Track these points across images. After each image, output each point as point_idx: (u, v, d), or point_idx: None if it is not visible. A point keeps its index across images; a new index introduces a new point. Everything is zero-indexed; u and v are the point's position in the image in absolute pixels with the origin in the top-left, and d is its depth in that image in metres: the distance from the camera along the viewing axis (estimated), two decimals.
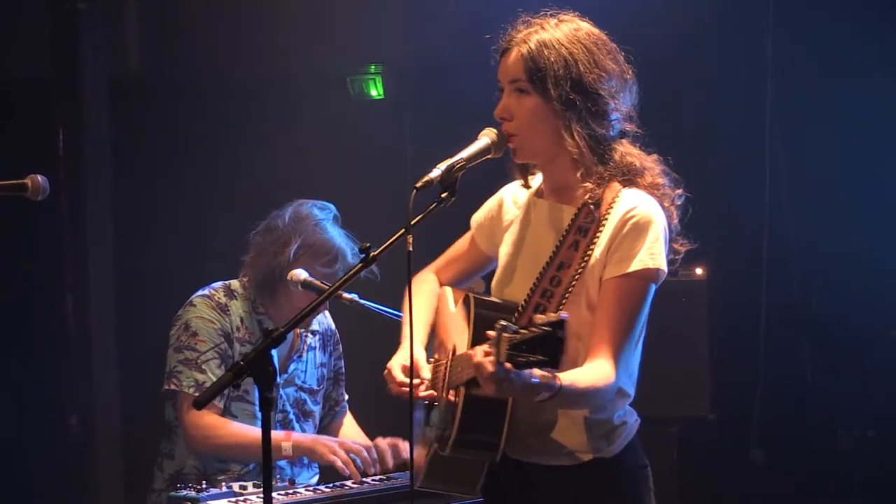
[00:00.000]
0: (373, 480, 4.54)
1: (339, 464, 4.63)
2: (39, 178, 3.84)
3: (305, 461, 4.92)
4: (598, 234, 3.58)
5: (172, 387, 4.83)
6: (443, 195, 3.51)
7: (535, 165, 3.78)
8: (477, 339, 3.49)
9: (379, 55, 7.20)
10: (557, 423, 3.64)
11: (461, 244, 3.96)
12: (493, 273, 3.86)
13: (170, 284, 5.57)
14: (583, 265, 3.57)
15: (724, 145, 6.78)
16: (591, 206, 3.60)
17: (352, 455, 4.65)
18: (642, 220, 3.56)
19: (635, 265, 3.54)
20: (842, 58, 6.61)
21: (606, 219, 3.59)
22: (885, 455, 6.77)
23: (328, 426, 5.14)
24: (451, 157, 3.55)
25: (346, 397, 5.21)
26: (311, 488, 4.46)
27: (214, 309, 4.88)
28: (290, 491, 4.39)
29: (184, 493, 4.30)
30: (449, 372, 3.63)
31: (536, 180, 3.82)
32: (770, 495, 6.85)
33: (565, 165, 3.66)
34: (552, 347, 3.11)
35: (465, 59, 6.81)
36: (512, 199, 3.85)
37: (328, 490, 4.41)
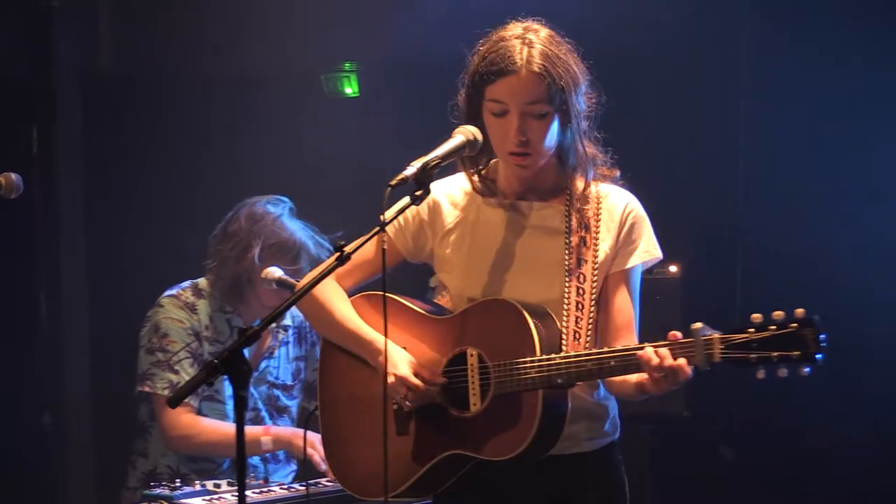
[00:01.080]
0: None
1: (317, 458, 4.62)
2: (13, 175, 3.83)
3: (282, 458, 4.92)
4: (598, 230, 3.69)
5: (146, 389, 4.82)
6: (417, 193, 3.50)
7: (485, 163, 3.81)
8: (547, 343, 3.55)
9: (353, 52, 7.19)
10: (594, 408, 3.74)
11: (368, 246, 3.70)
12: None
13: (143, 282, 5.54)
14: (595, 261, 3.67)
15: (697, 142, 6.79)
16: (582, 203, 3.71)
17: None
18: (639, 214, 3.75)
19: (646, 256, 3.75)
20: (817, 53, 6.63)
21: (600, 214, 3.71)
22: (857, 453, 6.80)
23: None
24: (426, 154, 3.55)
25: None
26: (285, 486, 4.46)
27: (183, 308, 4.87)
28: (265, 489, 4.39)
29: (158, 491, 4.30)
30: (496, 377, 3.59)
31: (456, 179, 3.84)
32: (742, 493, 6.87)
33: (550, 166, 3.72)
34: (801, 343, 3.30)
35: (439, 55, 6.86)
36: (449, 201, 3.83)
37: (303, 488, 4.40)
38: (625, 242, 3.72)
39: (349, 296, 3.88)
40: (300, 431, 4.79)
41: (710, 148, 6.86)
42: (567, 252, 3.67)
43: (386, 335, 3.65)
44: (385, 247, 3.58)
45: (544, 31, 3.66)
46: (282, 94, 7.08)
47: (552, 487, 3.70)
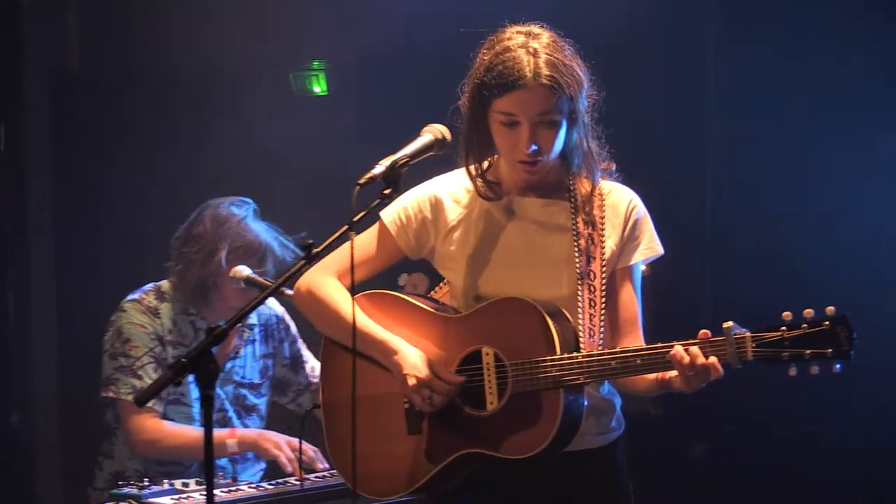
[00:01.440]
0: (316, 477, 4.54)
1: (283, 459, 4.63)
2: None
3: (250, 457, 4.91)
4: (603, 227, 3.74)
5: (110, 394, 4.82)
6: (386, 191, 3.51)
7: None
8: (564, 341, 3.57)
9: (322, 51, 7.18)
10: (604, 404, 3.77)
11: (368, 244, 3.85)
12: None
13: (111, 282, 5.53)
14: (603, 258, 3.71)
15: (664, 139, 6.80)
16: (585, 200, 3.75)
17: (310, 453, 4.66)
18: (641, 211, 3.81)
19: (649, 252, 3.80)
20: (786, 48, 6.66)
21: (604, 211, 3.75)
22: (825, 450, 6.82)
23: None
24: (395, 153, 3.56)
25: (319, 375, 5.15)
26: (253, 485, 4.46)
27: (145, 313, 4.87)
28: (233, 488, 4.38)
29: (126, 490, 4.28)
30: (513, 376, 3.60)
31: (457, 175, 3.86)
32: (712, 490, 6.89)
33: (554, 164, 3.75)
34: (834, 340, 3.37)
35: (409, 54, 6.87)
36: (452, 198, 3.85)
37: (271, 487, 4.40)
38: (629, 239, 3.77)
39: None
40: (265, 433, 4.80)
41: (677, 144, 6.88)
42: (577, 250, 3.69)
43: (355, 331, 3.65)
44: (353, 244, 3.57)
45: (546, 36, 3.68)
46: (250, 93, 7.06)
47: (560, 484, 3.73)
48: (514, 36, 3.67)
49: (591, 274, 3.68)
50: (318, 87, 7.20)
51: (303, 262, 3.41)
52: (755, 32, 6.79)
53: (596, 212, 3.74)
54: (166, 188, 6.81)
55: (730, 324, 3.45)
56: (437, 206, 3.84)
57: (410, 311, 3.83)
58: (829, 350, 3.36)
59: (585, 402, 3.61)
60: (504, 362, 3.61)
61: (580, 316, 3.63)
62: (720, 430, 6.93)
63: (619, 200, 3.79)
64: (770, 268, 6.75)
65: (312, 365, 5.13)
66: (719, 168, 6.90)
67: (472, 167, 3.79)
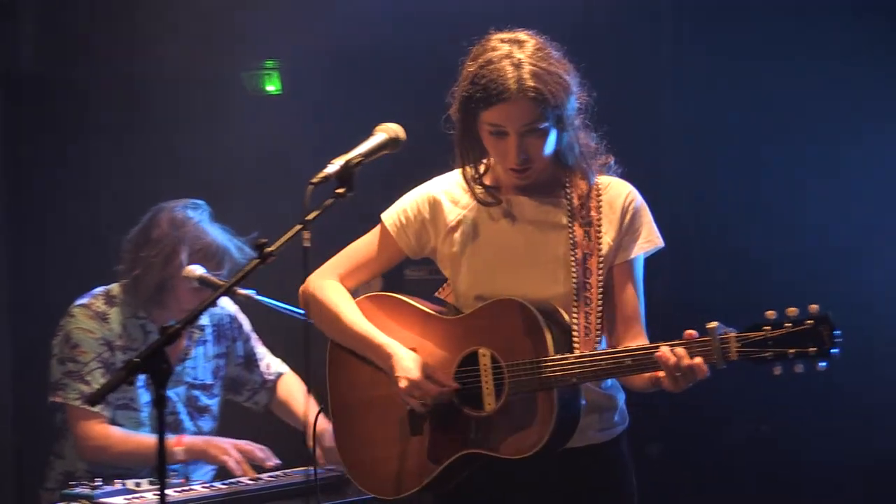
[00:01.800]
0: (269, 476, 4.54)
1: (231, 463, 4.62)
2: None
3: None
4: (600, 223, 3.74)
5: (58, 399, 4.81)
6: (339, 191, 3.52)
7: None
8: (556, 342, 3.59)
9: (276, 50, 7.17)
10: (607, 401, 3.80)
11: (370, 246, 3.95)
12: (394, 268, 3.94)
13: (65, 283, 5.50)
14: (600, 253, 3.72)
15: (621, 132, 6.82)
16: (581, 197, 3.77)
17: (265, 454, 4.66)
18: (639, 204, 3.82)
19: (648, 246, 3.80)
20: (744, 42, 6.70)
21: (600, 207, 3.76)
22: (778, 448, 6.86)
23: (269, 406, 5.12)
24: (348, 152, 3.57)
25: (276, 369, 5.16)
26: (206, 485, 4.45)
27: (93, 318, 4.85)
28: (186, 488, 4.37)
29: (78, 490, 4.27)
30: (510, 377, 3.62)
31: (455, 176, 3.90)
32: (667, 489, 6.91)
33: (551, 164, 3.78)
34: (818, 339, 3.36)
35: (363, 52, 6.87)
36: (449, 198, 3.89)
37: (224, 486, 4.39)
38: (627, 233, 3.78)
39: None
40: (212, 439, 4.79)
41: (630, 142, 6.90)
42: (572, 247, 3.71)
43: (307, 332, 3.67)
44: (307, 244, 3.55)
45: (531, 44, 3.69)
46: (203, 93, 7.04)
47: (565, 481, 3.76)
48: (499, 46, 3.68)
49: (587, 271, 3.69)
50: (272, 87, 7.18)
51: (256, 261, 3.41)
52: (712, 32, 6.83)
53: (592, 208, 3.75)
54: (119, 189, 6.79)
55: (714, 324, 3.46)
56: (435, 206, 3.88)
57: (411, 313, 3.86)
58: (813, 349, 3.37)
59: (583, 402, 3.64)
60: (500, 363, 3.64)
61: (576, 314, 3.65)
62: (674, 429, 6.96)
63: (615, 195, 3.80)
64: (728, 271, 6.79)
65: (268, 362, 5.13)
66: (671, 168, 6.93)
67: (468, 173, 3.84)
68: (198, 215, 4.92)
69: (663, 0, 6.94)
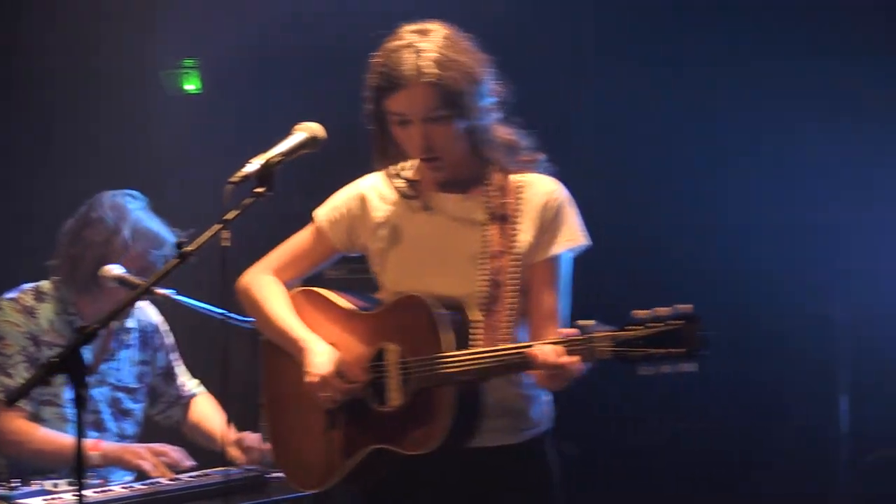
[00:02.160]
0: (188, 477, 4.52)
1: (147, 466, 4.59)
2: None
3: None
4: (518, 220, 3.72)
5: None
6: (259, 190, 3.51)
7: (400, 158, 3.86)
8: (451, 339, 3.58)
9: (195, 49, 7.15)
10: (520, 402, 3.76)
11: (304, 242, 3.97)
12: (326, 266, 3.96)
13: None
14: (515, 251, 3.69)
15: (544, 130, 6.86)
16: (500, 194, 3.75)
17: (178, 458, 4.63)
18: (562, 201, 3.77)
19: (570, 244, 3.75)
20: (662, 45, 6.77)
21: (521, 204, 3.74)
22: (695, 447, 6.94)
23: (181, 424, 5.11)
24: (268, 151, 3.56)
25: (192, 389, 5.13)
26: (125, 485, 4.42)
27: (21, 312, 4.80)
28: (105, 488, 4.35)
29: None
30: (413, 373, 3.63)
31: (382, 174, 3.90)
32: (582, 489, 6.96)
33: (468, 159, 3.77)
34: (686, 340, 3.32)
35: (283, 51, 6.85)
36: (377, 195, 3.90)
37: (143, 487, 4.37)
38: (547, 231, 3.74)
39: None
40: (129, 447, 4.73)
41: (552, 140, 6.95)
42: (484, 244, 3.71)
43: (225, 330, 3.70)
44: (226, 244, 3.52)
45: (436, 33, 3.70)
46: (124, 92, 7.01)
47: (477, 480, 3.74)
48: (405, 35, 3.70)
49: (499, 269, 3.68)
50: (191, 86, 7.15)
51: (176, 261, 3.40)
52: (630, 31, 6.89)
53: (511, 205, 3.74)
54: (38, 187, 6.74)
55: (588, 322, 3.45)
56: (364, 203, 3.89)
57: (336, 308, 3.87)
58: (682, 350, 3.33)
59: (482, 398, 3.63)
60: (405, 359, 3.65)
61: (484, 312, 3.65)
62: (588, 429, 7.00)
63: (537, 192, 3.77)
64: (641, 272, 6.85)
65: (183, 380, 5.11)
66: (590, 165, 6.98)
67: (387, 168, 3.85)
68: (137, 203, 4.91)
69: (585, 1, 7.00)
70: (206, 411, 5.07)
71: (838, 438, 6.74)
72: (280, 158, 3.55)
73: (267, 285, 3.93)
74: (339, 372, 3.70)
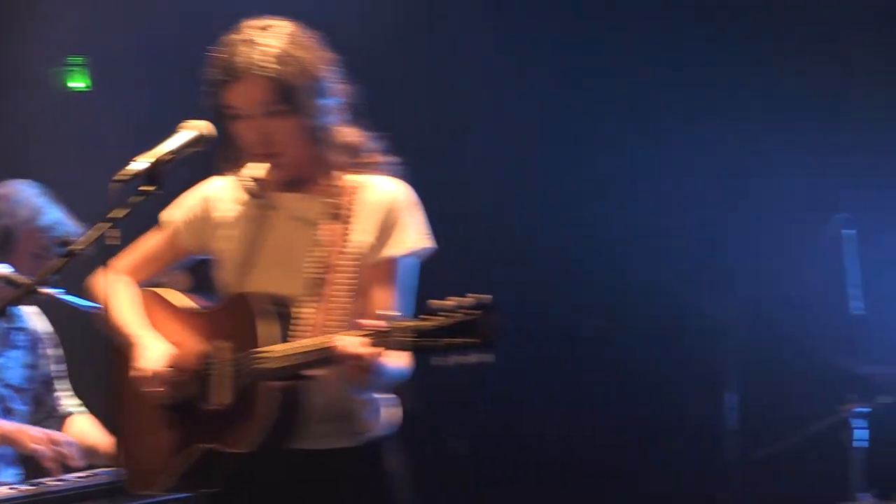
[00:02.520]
0: (75, 478, 4.47)
1: (42, 452, 4.54)
2: None
3: (6, 458, 4.81)
4: (355, 220, 3.69)
5: None
6: (147, 188, 3.47)
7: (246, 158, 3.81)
8: (270, 337, 3.55)
9: (84, 46, 7.08)
10: (349, 404, 3.71)
11: (155, 244, 3.92)
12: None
13: None
14: (349, 251, 3.66)
15: (430, 134, 6.87)
16: (338, 194, 3.72)
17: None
18: (403, 203, 3.74)
19: (410, 246, 3.71)
20: (550, 38, 6.83)
21: (359, 204, 3.71)
22: (586, 445, 6.99)
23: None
24: (155, 149, 3.53)
25: (68, 407, 5.05)
26: (9, 486, 4.37)
27: None
28: None
29: None
30: (239, 371, 3.60)
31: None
32: (474, 486, 6.98)
33: (304, 158, 3.73)
34: (484, 329, 3.25)
35: (172, 49, 6.81)
36: (219, 195, 3.86)
37: (29, 488, 4.31)
38: (386, 232, 3.70)
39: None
40: (25, 427, 4.70)
41: (447, 146, 6.98)
42: (317, 244, 3.68)
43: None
44: (113, 242, 3.49)
45: (277, 28, 3.68)
46: (14, 92, 6.94)
47: (313, 483, 3.72)
48: (245, 30, 3.68)
49: (332, 268, 3.65)
50: (79, 83, 7.09)
51: (62, 260, 3.37)
52: (529, 35, 6.94)
53: (349, 205, 3.71)
54: None
55: (390, 312, 3.46)
56: (209, 204, 3.86)
57: (176, 309, 3.85)
58: (478, 340, 3.27)
59: (303, 396, 3.60)
60: (231, 357, 3.62)
61: (312, 312, 3.61)
62: (480, 424, 7.03)
63: (378, 193, 3.74)
64: (523, 270, 6.89)
65: (60, 395, 5.05)
66: (476, 164, 7.02)
67: (229, 165, 3.82)
68: (36, 189, 4.88)
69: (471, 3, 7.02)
70: (85, 428, 4.98)
71: (727, 435, 6.81)
72: (170, 157, 3.52)
73: (117, 286, 3.86)
74: (169, 369, 3.67)
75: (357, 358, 3.39)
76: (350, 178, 3.76)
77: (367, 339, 3.38)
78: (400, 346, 3.36)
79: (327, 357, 3.45)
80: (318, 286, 3.64)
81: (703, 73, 6.87)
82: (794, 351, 6.60)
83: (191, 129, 3.62)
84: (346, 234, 3.69)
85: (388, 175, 3.80)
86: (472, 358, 3.29)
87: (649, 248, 6.88)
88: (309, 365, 3.52)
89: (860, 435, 5.83)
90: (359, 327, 3.42)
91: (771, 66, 6.86)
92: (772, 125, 6.76)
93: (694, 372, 6.96)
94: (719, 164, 6.84)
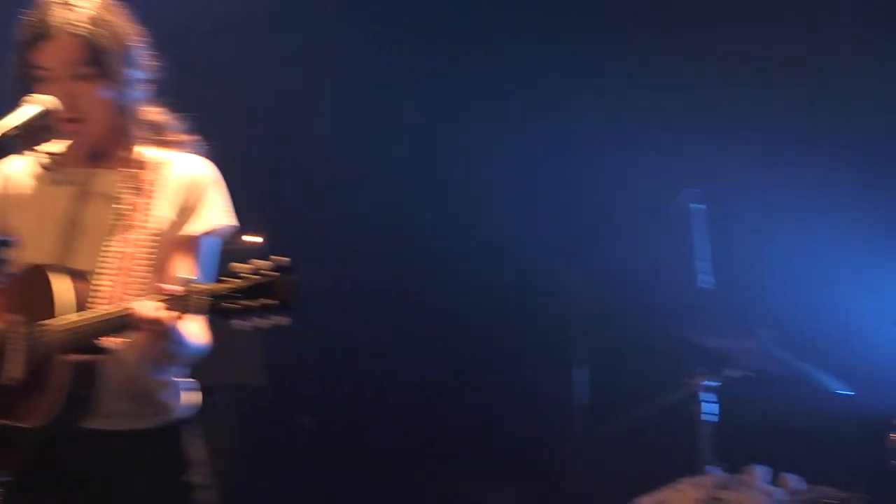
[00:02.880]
0: None
1: None
2: None
3: None
4: (156, 196, 3.64)
5: None
6: None
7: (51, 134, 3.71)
8: (66, 307, 3.44)
9: None
10: (147, 384, 3.65)
11: None
12: None
13: None
14: (149, 227, 3.60)
15: (277, 116, 6.80)
16: (140, 169, 3.66)
17: None
18: (206, 181, 3.71)
19: (213, 223, 3.67)
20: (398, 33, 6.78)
21: (161, 180, 3.66)
22: (433, 420, 6.98)
23: None
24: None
25: None
26: None
27: None
28: None
29: None
30: (29, 344, 3.48)
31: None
32: (320, 461, 6.93)
33: (107, 129, 3.67)
34: (281, 291, 3.23)
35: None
36: (16, 172, 3.77)
37: None
38: (187, 209, 3.67)
39: None
40: None
41: (291, 126, 6.90)
42: (117, 218, 3.60)
43: None
44: None
45: None
46: None
47: (109, 463, 3.63)
48: None
49: (130, 243, 3.58)
50: None
51: None
52: (370, 27, 6.89)
53: (150, 181, 3.66)
54: None
55: (186, 276, 3.40)
56: (6, 182, 3.77)
57: None
58: (275, 301, 3.26)
59: (98, 370, 3.51)
60: (26, 330, 3.50)
61: (108, 285, 3.53)
62: (326, 400, 6.99)
63: (179, 170, 3.70)
64: (391, 252, 6.86)
65: None
66: (324, 149, 6.96)
67: (26, 136, 3.64)
68: None
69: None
70: None
71: (575, 410, 6.84)
72: (16, 131, 3.44)
73: None
74: None
75: (154, 322, 3.34)
76: (153, 154, 3.71)
77: (164, 304, 3.33)
78: (198, 310, 3.32)
79: (124, 323, 3.38)
80: (116, 261, 3.57)
81: (553, 50, 6.87)
82: (643, 325, 6.64)
83: (36, 104, 3.53)
84: (147, 210, 3.63)
85: (192, 153, 3.76)
86: (271, 321, 3.27)
87: (497, 221, 6.88)
88: (106, 332, 3.42)
89: (708, 409, 5.87)
90: (156, 292, 3.36)
91: (621, 44, 6.88)
92: (625, 101, 6.77)
93: (541, 346, 6.99)
94: (570, 136, 6.84)
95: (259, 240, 6.38)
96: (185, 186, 3.68)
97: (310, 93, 6.92)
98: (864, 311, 6.15)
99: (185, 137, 3.76)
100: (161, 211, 3.64)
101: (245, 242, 6.36)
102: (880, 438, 4.80)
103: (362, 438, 7.01)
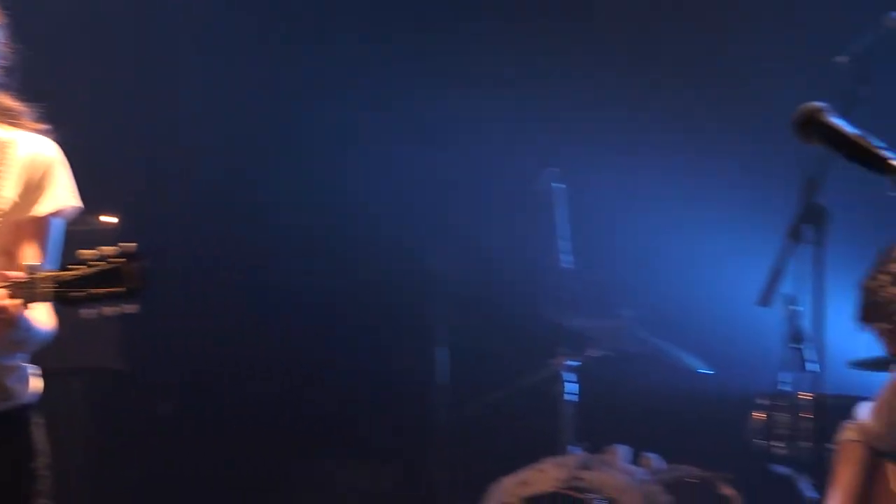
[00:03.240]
0: None
1: None
2: None
3: None
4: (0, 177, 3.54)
5: None
6: None
7: None
8: None
9: None
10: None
11: None
12: None
13: None
14: None
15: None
16: None
17: None
18: (51, 161, 3.62)
19: (57, 204, 3.59)
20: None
21: (5, 161, 3.56)
22: (296, 403, 6.94)
23: None
24: None
25: None
26: None
27: None
28: None
29: None
30: None
31: None
32: (177, 447, 6.85)
33: None
34: (128, 278, 3.19)
35: None
36: None
37: None
38: (31, 189, 3.57)
39: None
40: None
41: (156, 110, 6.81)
42: None
43: None
44: None
45: None
46: None
47: None
48: None
49: None
50: None
51: None
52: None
53: None
54: None
55: (32, 263, 3.32)
56: None
57: None
58: (122, 288, 3.22)
59: None
60: None
61: None
62: (188, 386, 6.91)
63: (25, 150, 3.60)
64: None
65: None
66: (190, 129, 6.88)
67: None
68: None
69: None
70: None
71: (437, 389, 6.83)
72: None
73: None
74: None
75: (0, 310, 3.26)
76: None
77: (8, 291, 3.25)
78: (43, 298, 3.26)
79: None
80: None
81: (408, 38, 6.88)
82: (506, 304, 6.64)
83: None
84: None
85: (48, 135, 3.66)
86: (119, 308, 3.25)
87: (358, 203, 6.85)
88: None
89: (570, 388, 5.88)
90: (1, 279, 3.28)
91: (481, 28, 6.89)
92: (493, 84, 6.77)
93: (403, 327, 6.97)
94: (429, 118, 6.81)
95: (115, 220, 6.25)
96: (28, 166, 3.58)
97: (165, 79, 6.84)
98: (726, 291, 6.20)
99: (32, 124, 3.65)
100: (5, 192, 3.55)
101: (101, 223, 6.25)
102: (742, 417, 4.83)
103: (222, 422, 6.93)
